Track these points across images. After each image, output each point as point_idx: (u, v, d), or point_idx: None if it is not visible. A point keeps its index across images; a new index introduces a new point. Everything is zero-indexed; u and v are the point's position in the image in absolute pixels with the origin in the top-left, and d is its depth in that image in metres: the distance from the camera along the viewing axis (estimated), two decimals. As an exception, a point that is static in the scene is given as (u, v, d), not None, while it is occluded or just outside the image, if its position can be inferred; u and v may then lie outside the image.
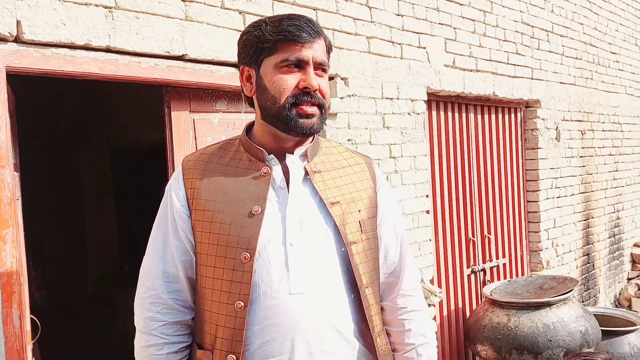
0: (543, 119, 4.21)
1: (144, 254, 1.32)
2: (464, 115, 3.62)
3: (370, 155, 2.55)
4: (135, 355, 1.30)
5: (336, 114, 2.68)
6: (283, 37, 1.18)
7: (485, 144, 3.79)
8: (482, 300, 3.56)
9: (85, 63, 1.89)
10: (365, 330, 1.25)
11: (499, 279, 3.82)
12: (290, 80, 1.19)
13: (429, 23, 3.24)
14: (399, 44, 3.06)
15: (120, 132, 4.65)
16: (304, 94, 1.20)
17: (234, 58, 2.29)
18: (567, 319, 3.12)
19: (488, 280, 3.73)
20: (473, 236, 3.65)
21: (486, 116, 3.82)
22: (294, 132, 1.22)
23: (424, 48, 3.22)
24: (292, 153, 1.27)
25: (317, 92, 1.21)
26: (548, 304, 3.17)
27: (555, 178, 4.35)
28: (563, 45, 4.56)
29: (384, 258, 1.34)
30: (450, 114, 3.51)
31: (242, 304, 1.17)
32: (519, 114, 4.15)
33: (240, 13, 2.32)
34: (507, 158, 3.99)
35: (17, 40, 1.75)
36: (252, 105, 1.31)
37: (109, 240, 4.93)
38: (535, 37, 4.19)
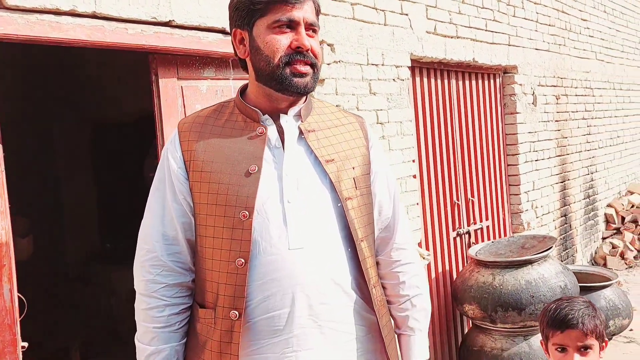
0: (520, 85, 4.29)
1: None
2: (446, 81, 3.67)
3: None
4: (136, 318, 1.30)
5: (324, 80, 2.68)
6: None
7: (467, 109, 3.85)
8: (468, 262, 3.66)
9: (72, 29, 1.84)
10: (361, 283, 1.29)
11: (482, 240, 3.92)
12: (283, 40, 1.21)
13: (410, -11, 3.25)
14: (382, 11, 3.06)
15: (100, 103, 4.53)
16: (297, 53, 1.22)
17: (221, 24, 2.26)
18: (548, 275, 3.25)
19: (473, 243, 3.82)
20: (457, 200, 3.73)
21: (467, 82, 3.87)
22: (289, 91, 1.23)
23: (407, 15, 3.23)
24: (286, 113, 1.29)
25: (309, 51, 1.23)
26: (530, 262, 3.28)
27: (533, 142, 4.45)
28: (537, 13, 4.63)
29: (378, 214, 1.37)
30: (433, 80, 3.55)
31: (243, 260, 1.19)
32: (497, 80, 4.22)
33: (226, -22, 2.28)
34: (488, 123, 4.07)
35: (1, 6, 1.70)
36: (245, 68, 1.32)
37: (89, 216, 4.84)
38: (511, 4, 4.25)
